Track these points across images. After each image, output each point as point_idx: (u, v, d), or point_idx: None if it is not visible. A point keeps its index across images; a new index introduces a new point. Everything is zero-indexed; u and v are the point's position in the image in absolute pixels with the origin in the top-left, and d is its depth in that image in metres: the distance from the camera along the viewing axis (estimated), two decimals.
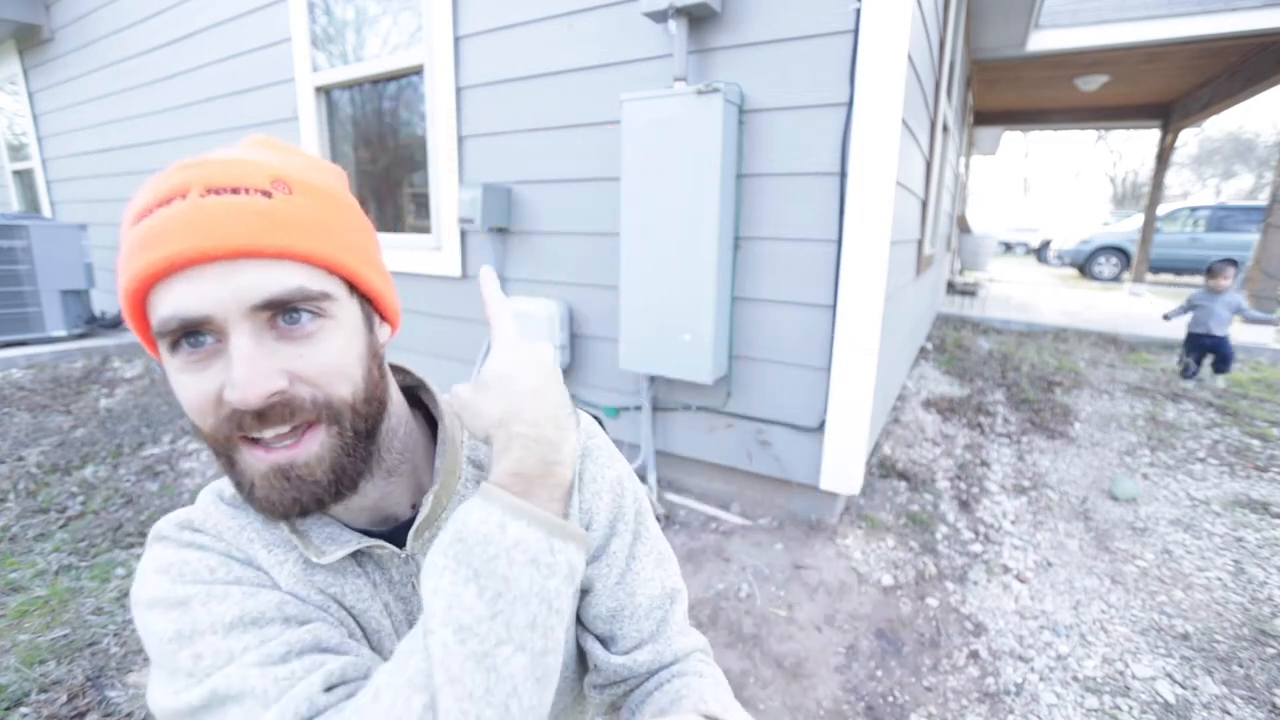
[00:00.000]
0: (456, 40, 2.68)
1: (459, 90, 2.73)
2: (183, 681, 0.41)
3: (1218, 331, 3.93)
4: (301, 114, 3.37)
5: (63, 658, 1.56)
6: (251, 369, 0.40)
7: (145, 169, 4.55)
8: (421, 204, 3.12)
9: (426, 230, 3.07)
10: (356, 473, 0.48)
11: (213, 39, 3.74)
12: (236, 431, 0.43)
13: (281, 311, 0.42)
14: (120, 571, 1.92)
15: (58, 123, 5.37)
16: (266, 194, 0.42)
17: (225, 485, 0.53)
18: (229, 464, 0.45)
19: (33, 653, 1.56)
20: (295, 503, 0.45)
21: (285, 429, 0.43)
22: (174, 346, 0.42)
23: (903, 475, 2.69)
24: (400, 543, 0.54)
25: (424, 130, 2.91)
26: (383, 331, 0.53)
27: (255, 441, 0.44)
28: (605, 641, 0.62)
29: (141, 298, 0.42)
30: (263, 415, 0.42)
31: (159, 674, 0.42)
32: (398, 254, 3.15)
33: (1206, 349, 4.02)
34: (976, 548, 2.18)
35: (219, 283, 0.40)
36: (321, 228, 0.44)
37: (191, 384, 0.42)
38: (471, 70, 2.67)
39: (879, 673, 1.60)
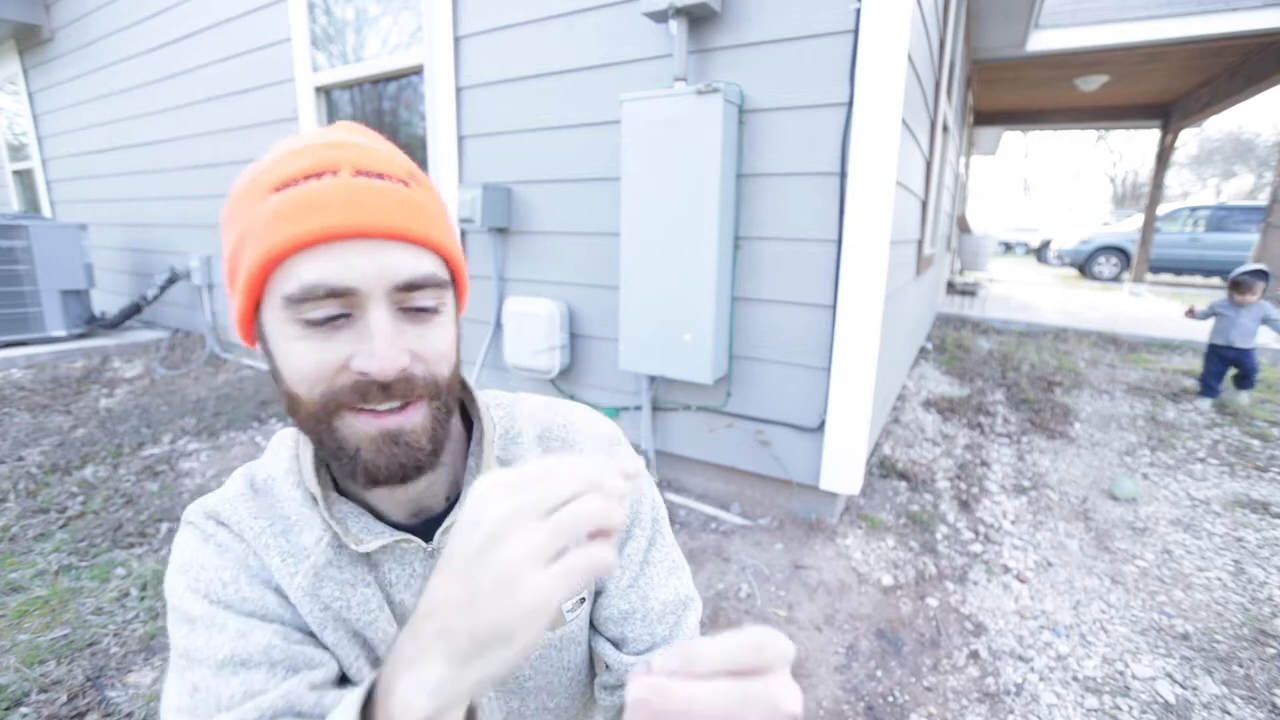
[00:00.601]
0: (456, 40, 2.68)
1: (459, 90, 2.73)
2: (184, 704, 0.45)
3: (1240, 344, 3.54)
4: (301, 114, 3.37)
5: (63, 658, 1.56)
6: (390, 344, 0.43)
7: (145, 169, 4.56)
8: None
9: None
10: (442, 448, 0.50)
11: (213, 39, 3.74)
12: (355, 400, 0.44)
13: (410, 295, 0.44)
14: (120, 571, 1.92)
15: (58, 123, 5.37)
16: (404, 183, 0.45)
17: (259, 470, 0.55)
18: (328, 430, 0.46)
19: (33, 653, 1.56)
20: (401, 467, 0.46)
21: (398, 403, 0.45)
22: (305, 313, 0.42)
23: (903, 475, 2.69)
24: (427, 537, 0.55)
25: (424, 130, 2.91)
26: None
27: (362, 409, 0.45)
28: (617, 644, 0.63)
29: (274, 264, 0.42)
30: (387, 388, 0.44)
31: (172, 676, 0.47)
32: None
33: (1228, 362, 3.66)
34: (976, 548, 2.18)
35: (368, 259, 0.42)
36: (441, 221, 0.48)
37: (311, 351, 0.43)
38: (471, 70, 2.67)
39: (879, 673, 1.60)
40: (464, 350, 2.80)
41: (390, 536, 0.52)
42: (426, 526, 0.55)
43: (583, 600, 0.62)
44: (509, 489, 0.31)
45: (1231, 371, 3.70)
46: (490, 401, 0.62)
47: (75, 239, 4.37)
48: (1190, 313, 3.81)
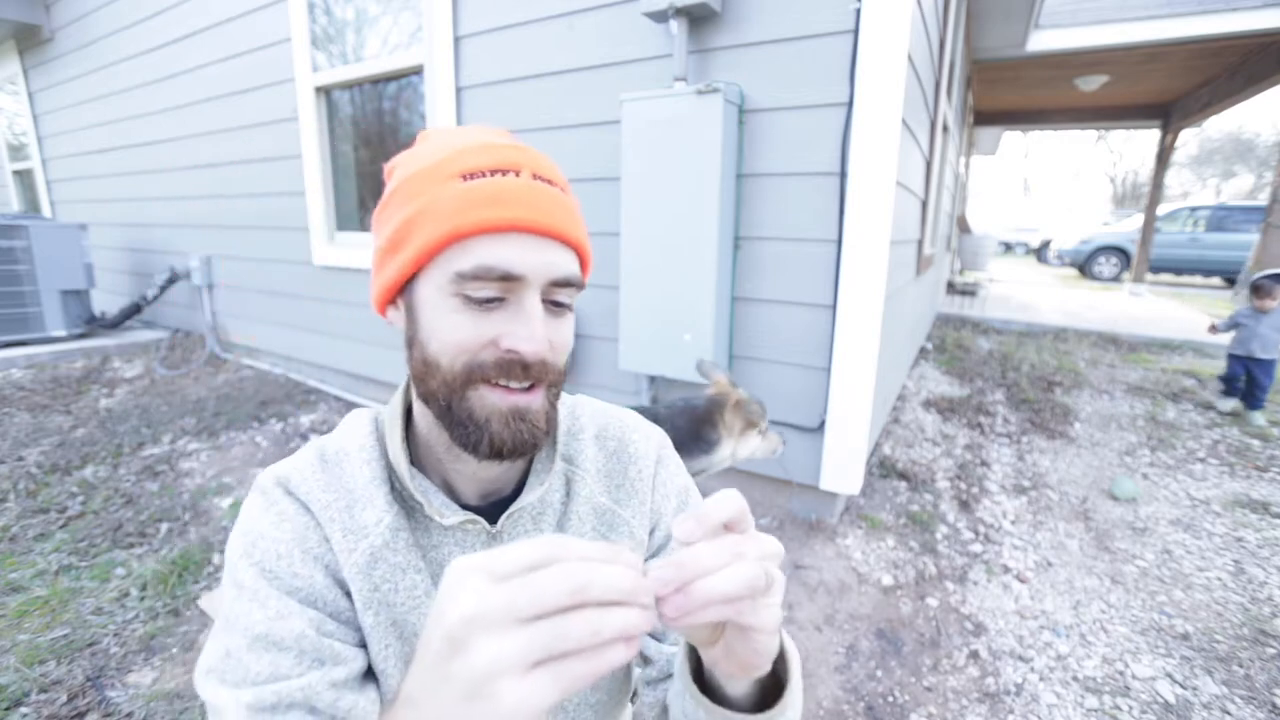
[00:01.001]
0: (456, 40, 2.68)
1: (459, 90, 2.73)
2: (215, 665, 0.48)
3: (1261, 354, 3.35)
4: (301, 114, 3.37)
5: (63, 658, 1.56)
6: (542, 329, 0.48)
7: (145, 169, 4.56)
8: None
9: None
10: (552, 432, 0.54)
11: (213, 39, 3.74)
12: (496, 375, 0.49)
13: (557, 290, 0.50)
14: (120, 571, 1.92)
15: (58, 123, 5.37)
16: (562, 190, 0.51)
17: (330, 444, 0.57)
18: (461, 399, 0.49)
19: (33, 653, 1.56)
20: (522, 443, 0.50)
21: (528, 384, 0.50)
22: (473, 289, 0.47)
23: (903, 475, 2.69)
24: (492, 519, 0.57)
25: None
26: None
27: (498, 385, 0.49)
28: (658, 636, 0.66)
29: (455, 241, 0.47)
30: (528, 368, 0.49)
31: (216, 631, 0.50)
32: None
33: (1246, 370, 3.45)
34: (976, 548, 2.18)
35: (537, 253, 0.48)
36: (584, 227, 0.53)
37: (465, 324, 0.48)
38: (471, 70, 2.67)
39: (879, 673, 1.60)
40: None
41: (463, 515, 0.55)
42: (493, 509, 0.58)
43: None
44: (483, 580, 0.29)
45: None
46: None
47: (75, 239, 4.37)
48: (1213, 329, 3.62)
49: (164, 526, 2.20)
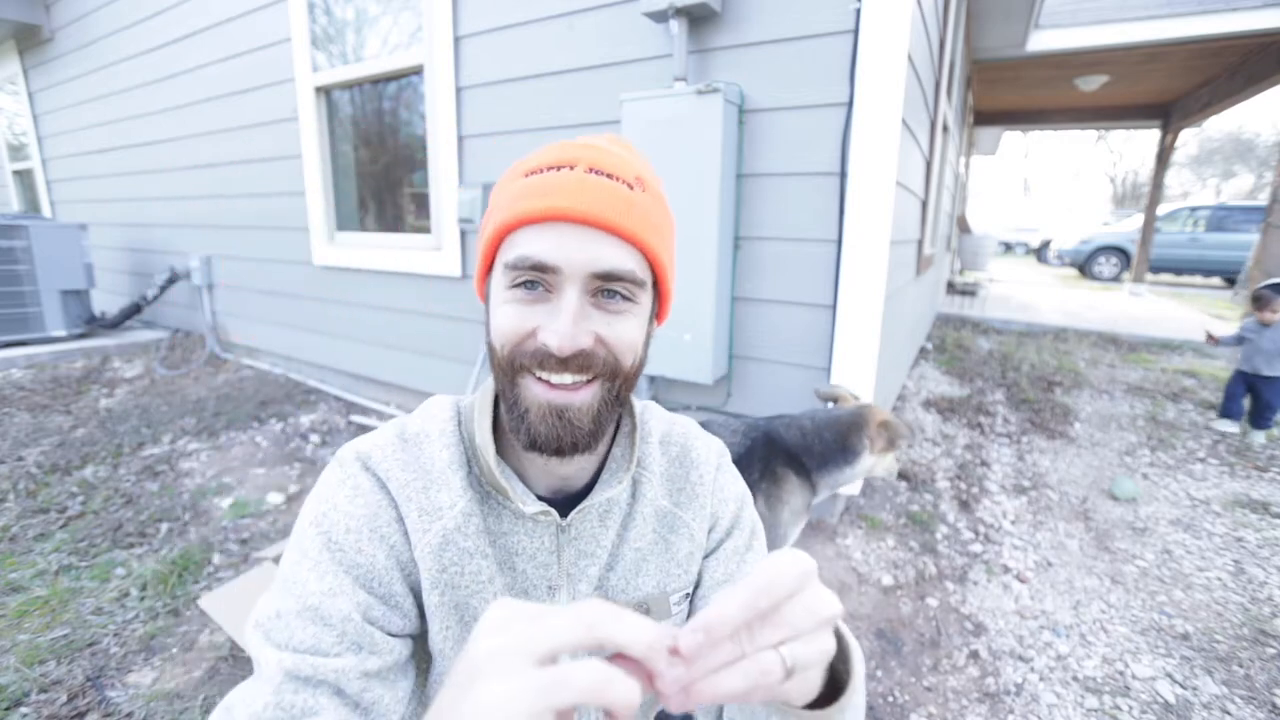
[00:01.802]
0: (456, 40, 2.68)
1: (459, 90, 2.73)
2: (265, 621, 0.49)
3: (1267, 371, 3.08)
4: (301, 114, 3.37)
5: (63, 658, 1.56)
6: (573, 324, 0.48)
7: (145, 169, 4.56)
8: (421, 204, 3.12)
9: (426, 230, 3.07)
10: (604, 430, 0.54)
11: (213, 39, 3.74)
12: (534, 365, 0.50)
13: (607, 284, 0.50)
14: (120, 571, 1.92)
15: (58, 123, 5.36)
16: (630, 186, 0.50)
17: (410, 425, 0.58)
18: (511, 385, 0.52)
19: (33, 653, 1.56)
20: (559, 440, 0.51)
21: (571, 380, 0.50)
22: (514, 279, 0.50)
23: (902, 475, 2.69)
24: (563, 513, 0.58)
25: (424, 130, 2.91)
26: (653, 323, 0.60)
27: (539, 377, 0.50)
28: None
29: (505, 234, 0.50)
30: (564, 362, 0.49)
31: (274, 589, 0.51)
32: (398, 254, 3.15)
33: (1250, 388, 3.19)
34: (976, 548, 2.18)
35: (577, 244, 0.48)
36: (656, 228, 0.53)
37: (513, 314, 0.50)
38: (471, 70, 2.67)
39: (879, 673, 1.60)
40: (463, 350, 2.80)
41: (540, 506, 0.56)
42: (565, 503, 0.59)
43: (687, 595, 0.66)
44: (503, 619, 0.30)
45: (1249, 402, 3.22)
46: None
47: (75, 239, 4.37)
48: (1211, 338, 3.34)
49: (164, 526, 2.20)
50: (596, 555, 0.61)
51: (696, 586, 0.67)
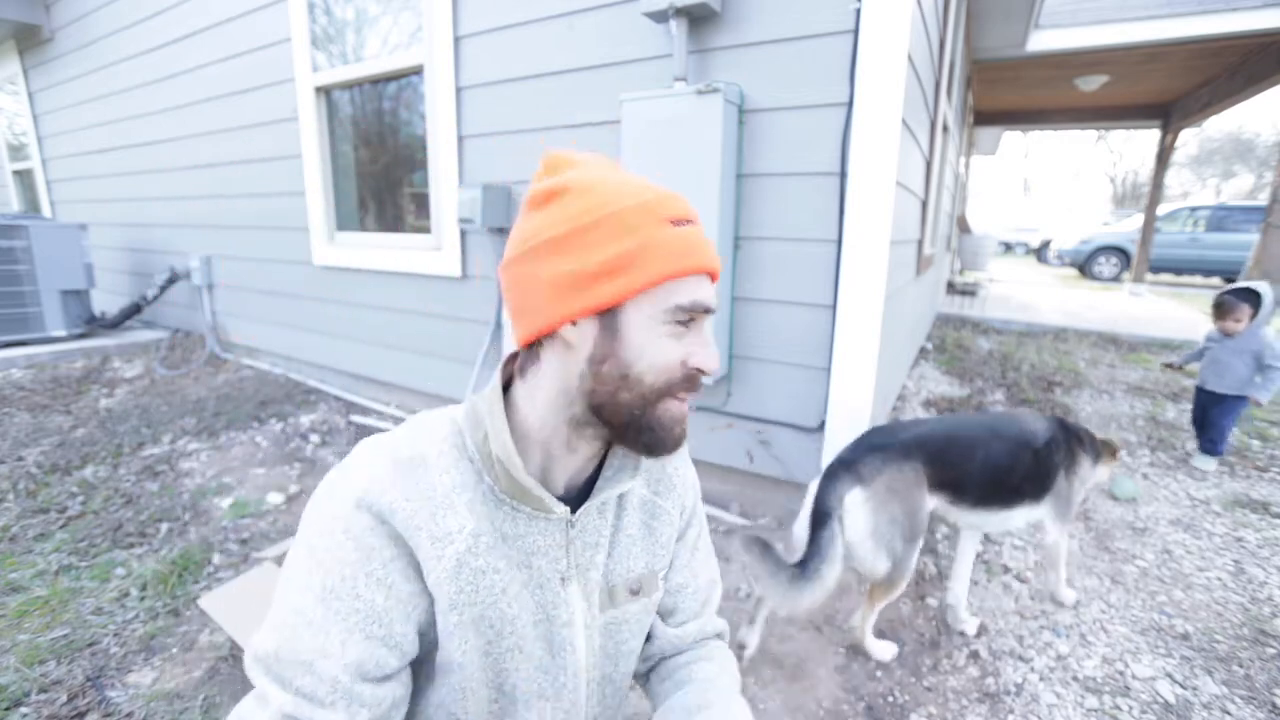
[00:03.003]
0: (456, 40, 2.68)
1: (459, 90, 2.73)
2: (265, 658, 0.53)
3: (1213, 386, 2.76)
4: (301, 114, 3.37)
5: (63, 658, 1.56)
6: (715, 350, 0.59)
7: (145, 169, 4.56)
8: (421, 204, 3.12)
9: (426, 230, 3.07)
10: None
11: (213, 39, 3.74)
12: (684, 388, 0.58)
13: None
14: (120, 571, 1.92)
15: (58, 123, 5.37)
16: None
17: (401, 448, 0.58)
18: (652, 409, 0.58)
19: (33, 653, 1.56)
20: (680, 443, 0.60)
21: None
22: (681, 318, 0.56)
23: None
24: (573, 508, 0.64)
25: (424, 130, 2.91)
26: None
27: (679, 397, 0.59)
28: (664, 615, 0.77)
29: (676, 277, 0.55)
30: (700, 383, 0.60)
31: (275, 619, 0.54)
32: (398, 254, 3.15)
33: (1205, 407, 2.86)
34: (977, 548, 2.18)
35: (712, 289, 0.59)
36: None
37: (673, 348, 0.57)
38: (471, 70, 2.67)
39: (879, 673, 1.60)
40: (463, 350, 2.79)
41: (564, 509, 0.61)
42: (574, 497, 0.64)
43: (664, 574, 0.74)
44: None
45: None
46: None
47: (75, 239, 4.37)
48: (1169, 367, 3.20)
49: (164, 526, 2.20)
50: (600, 545, 0.66)
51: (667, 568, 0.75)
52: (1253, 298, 2.64)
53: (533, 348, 0.60)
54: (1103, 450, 1.84)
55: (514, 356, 0.65)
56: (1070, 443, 1.74)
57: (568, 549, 0.63)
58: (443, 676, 0.60)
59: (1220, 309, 2.72)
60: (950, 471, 1.55)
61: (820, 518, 1.46)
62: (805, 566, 1.42)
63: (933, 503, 1.57)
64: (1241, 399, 2.71)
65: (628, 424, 0.58)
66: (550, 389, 0.59)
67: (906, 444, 1.53)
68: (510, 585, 0.60)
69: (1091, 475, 1.81)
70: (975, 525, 1.71)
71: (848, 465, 1.50)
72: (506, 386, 0.64)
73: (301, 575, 0.54)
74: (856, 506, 1.45)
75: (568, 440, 0.61)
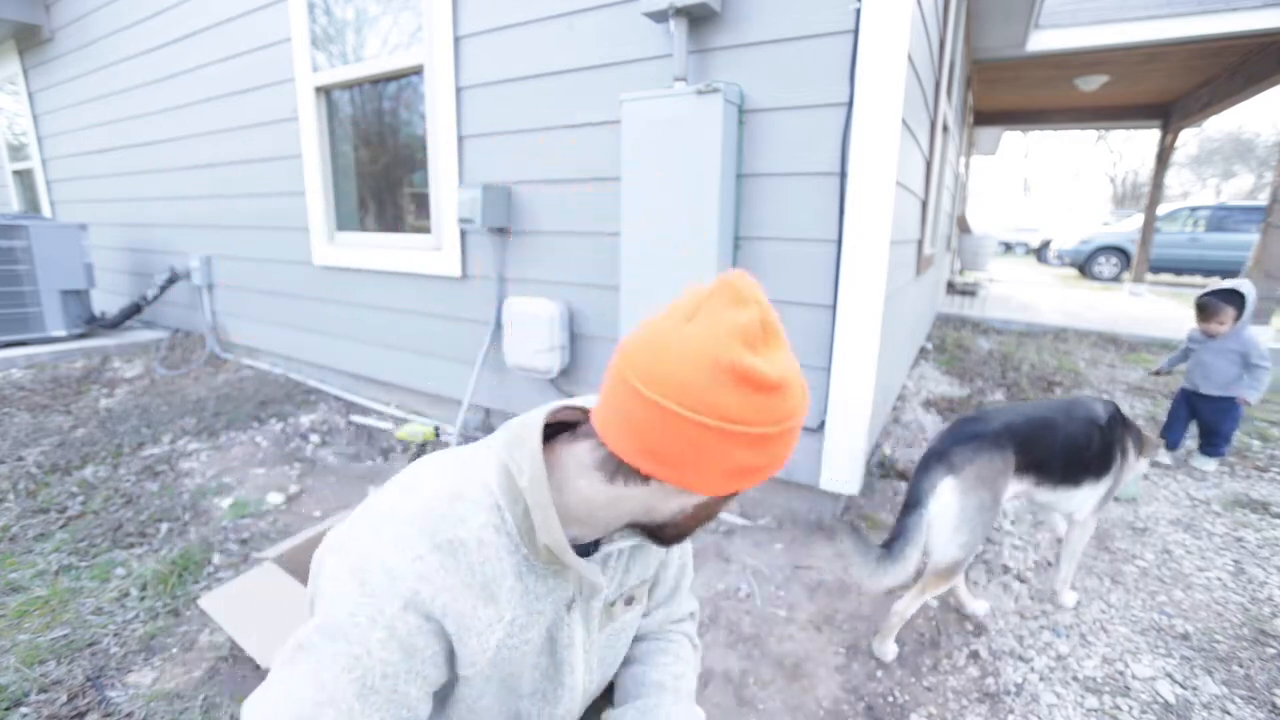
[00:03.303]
0: (456, 40, 2.68)
1: (459, 90, 2.73)
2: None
3: (1204, 389, 2.74)
4: (301, 114, 3.37)
5: (63, 658, 1.56)
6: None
7: (145, 169, 4.56)
8: (421, 204, 3.12)
9: (426, 230, 3.07)
10: None
11: (213, 39, 3.74)
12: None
13: None
14: (120, 571, 1.92)
15: (58, 123, 5.36)
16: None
17: (440, 530, 0.56)
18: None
19: (33, 653, 1.56)
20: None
21: None
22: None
23: (903, 475, 2.69)
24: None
25: (424, 130, 2.91)
26: None
27: None
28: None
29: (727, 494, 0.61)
30: None
31: (280, 700, 0.51)
32: (398, 254, 3.15)
33: (1193, 410, 2.85)
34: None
35: None
36: None
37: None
38: (471, 70, 2.67)
39: (879, 673, 1.60)
40: (463, 350, 2.79)
41: (592, 573, 0.64)
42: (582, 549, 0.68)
43: (651, 588, 0.81)
44: None
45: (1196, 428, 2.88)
46: None
47: (75, 239, 4.37)
48: (1158, 374, 3.18)
49: (164, 526, 2.20)
50: (607, 576, 0.73)
51: (654, 585, 0.84)
52: (1235, 299, 2.61)
53: (625, 465, 0.56)
54: (1145, 442, 1.91)
55: (572, 423, 0.69)
56: (1124, 426, 1.82)
57: (580, 585, 0.69)
58: (451, 707, 0.65)
59: (1203, 311, 2.69)
60: (1038, 454, 1.62)
61: (911, 504, 1.55)
62: (891, 548, 1.51)
63: (1019, 486, 1.63)
64: (1232, 399, 2.69)
65: (659, 534, 0.67)
66: (619, 505, 0.60)
67: (998, 432, 1.58)
68: (533, 639, 0.64)
69: (1135, 464, 1.87)
70: (1052, 504, 1.77)
71: (940, 456, 1.56)
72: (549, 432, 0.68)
73: (332, 661, 0.51)
74: (948, 492, 1.52)
75: (605, 527, 0.64)
